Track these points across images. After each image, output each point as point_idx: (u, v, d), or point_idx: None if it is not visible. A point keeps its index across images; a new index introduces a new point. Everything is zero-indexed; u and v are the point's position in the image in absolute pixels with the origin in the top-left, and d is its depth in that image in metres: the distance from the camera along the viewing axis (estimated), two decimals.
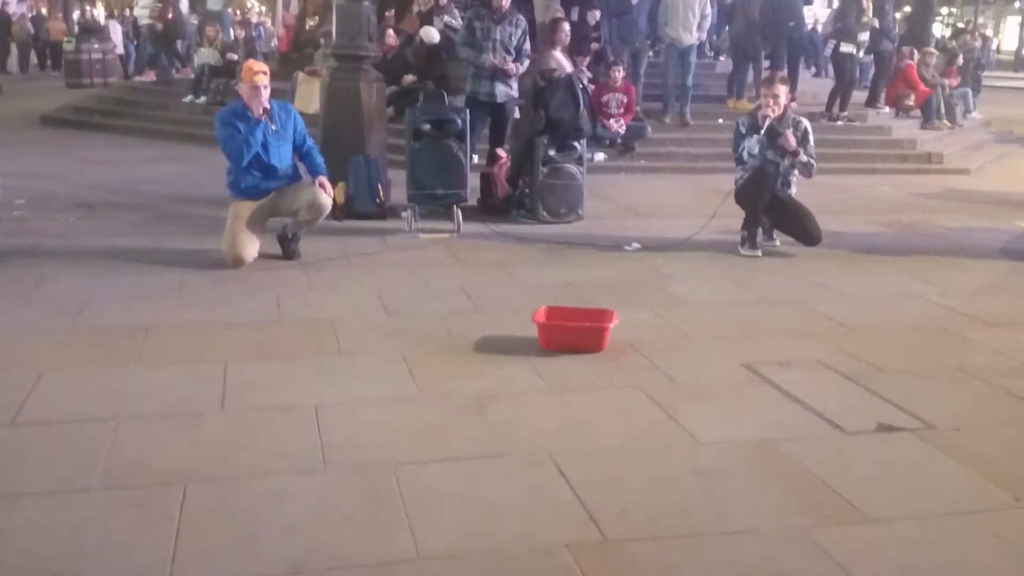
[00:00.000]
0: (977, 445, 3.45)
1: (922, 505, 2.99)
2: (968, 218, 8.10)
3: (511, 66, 7.85)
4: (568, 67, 8.16)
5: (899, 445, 3.44)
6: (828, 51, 11.83)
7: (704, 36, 11.49)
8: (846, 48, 11.21)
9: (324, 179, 5.93)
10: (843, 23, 11.39)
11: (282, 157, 5.85)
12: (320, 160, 6.05)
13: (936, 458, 3.33)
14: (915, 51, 13.37)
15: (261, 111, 5.68)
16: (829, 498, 3.01)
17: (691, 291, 5.51)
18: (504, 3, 7.83)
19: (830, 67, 13.37)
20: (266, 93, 5.72)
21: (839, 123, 11.13)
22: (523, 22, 8.09)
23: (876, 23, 11.87)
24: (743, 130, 6.37)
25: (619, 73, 9.87)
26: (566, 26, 8.46)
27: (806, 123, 6.42)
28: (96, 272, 5.58)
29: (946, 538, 2.80)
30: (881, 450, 3.40)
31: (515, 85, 8.13)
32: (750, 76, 11.58)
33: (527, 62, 8.16)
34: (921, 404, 3.79)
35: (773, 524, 2.83)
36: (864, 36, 11.51)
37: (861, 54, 11.64)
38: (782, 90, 6.35)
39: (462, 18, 10.14)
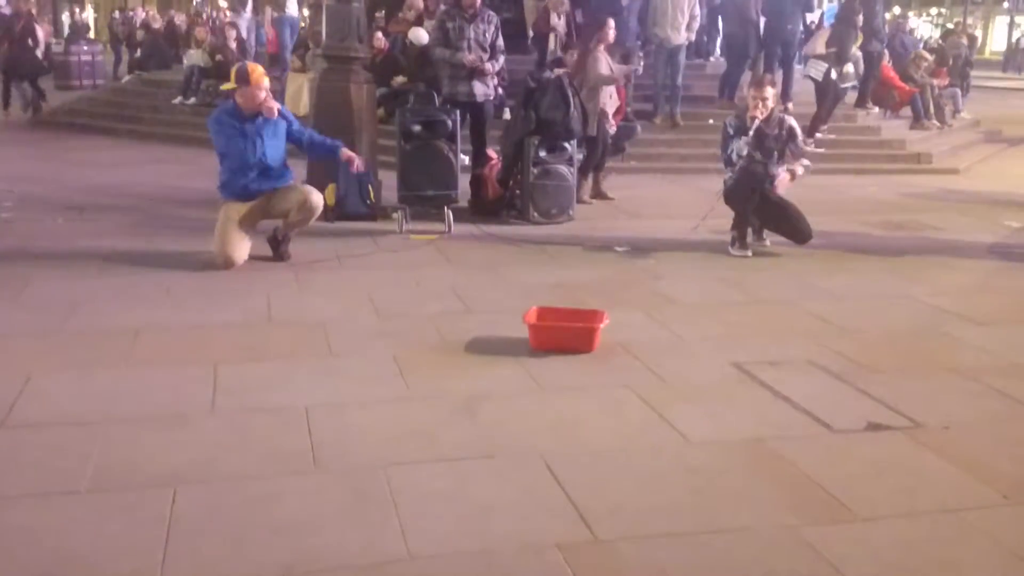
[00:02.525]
0: (966, 443, 3.46)
1: (911, 503, 3.00)
2: (957, 218, 8.14)
3: (487, 65, 7.81)
4: (609, 68, 8.05)
5: (888, 444, 3.46)
6: (813, 72, 11.42)
7: (693, 36, 11.43)
8: (834, 73, 11.11)
9: (347, 151, 6.06)
10: (839, 49, 11.10)
11: (276, 157, 5.86)
12: (326, 140, 6.19)
13: (925, 456, 3.35)
14: (884, 51, 13.31)
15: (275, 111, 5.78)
16: (819, 497, 3.02)
17: (681, 291, 5.52)
18: (475, 0, 7.76)
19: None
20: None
21: (821, 150, 10.64)
22: (495, 18, 8.00)
23: (859, 53, 11.77)
24: (731, 131, 6.39)
25: None
26: (611, 22, 8.30)
27: (791, 121, 6.44)
28: (86, 274, 5.57)
29: (935, 536, 2.81)
30: (870, 449, 3.41)
31: (491, 83, 8.08)
32: (744, 77, 11.51)
33: (502, 58, 8.12)
34: (910, 403, 3.80)
35: (763, 523, 2.84)
36: (849, 68, 11.42)
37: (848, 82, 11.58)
38: (770, 92, 6.37)
39: None
